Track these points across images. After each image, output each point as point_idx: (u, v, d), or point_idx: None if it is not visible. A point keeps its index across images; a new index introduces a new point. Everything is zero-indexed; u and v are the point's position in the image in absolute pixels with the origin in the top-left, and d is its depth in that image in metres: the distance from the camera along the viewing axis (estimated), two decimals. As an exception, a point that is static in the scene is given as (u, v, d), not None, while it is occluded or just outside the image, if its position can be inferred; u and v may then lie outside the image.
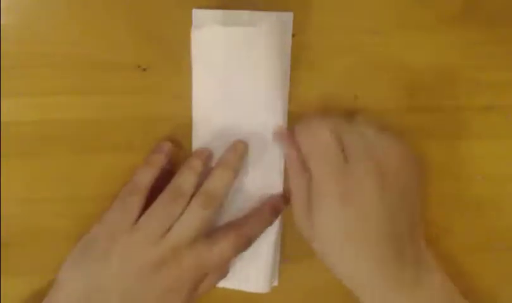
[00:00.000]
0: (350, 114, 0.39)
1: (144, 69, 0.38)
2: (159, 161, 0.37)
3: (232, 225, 0.38)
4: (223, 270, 0.38)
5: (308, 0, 0.38)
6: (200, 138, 0.39)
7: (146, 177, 0.37)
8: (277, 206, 0.39)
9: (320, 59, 0.39)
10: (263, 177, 0.40)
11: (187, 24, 0.37)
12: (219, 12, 0.37)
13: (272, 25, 0.37)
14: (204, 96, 0.38)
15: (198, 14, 0.37)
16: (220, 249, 0.36)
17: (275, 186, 0.40)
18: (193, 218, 0.35)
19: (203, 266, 0.36)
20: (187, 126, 0.39)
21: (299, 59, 0.39)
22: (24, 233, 0.39)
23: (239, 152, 0.38)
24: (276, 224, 0.40)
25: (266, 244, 0.40)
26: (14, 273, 0.40)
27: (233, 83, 0.38)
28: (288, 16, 0.38)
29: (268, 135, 0.39)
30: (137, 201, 0.36)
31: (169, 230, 0.35)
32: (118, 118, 0.38)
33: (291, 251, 0.42)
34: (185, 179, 0.37)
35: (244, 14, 0.37)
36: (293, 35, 0.38)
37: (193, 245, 0.35)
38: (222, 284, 0.40)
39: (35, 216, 0.39)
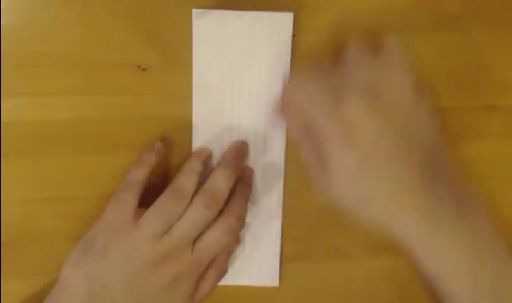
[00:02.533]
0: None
1: (144, 69, 0.38)
2: (150, 159, 0.38)
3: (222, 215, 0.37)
4: (222, 265, 0.38)
5: (308, 0, 0.38)
6: (199, 136, 0.39)
7: (138, 175, 0.37)
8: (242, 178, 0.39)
9: (320, 59, 0.39)
10: (263, 175, 0.40)
11: (187, 24, 0.37)
12: (218, 12, 0.37)
13: (274, 21, 0.37)
14: (204, 90, 0.38)
15: (197, 15, 0.37)
16: (215, 236, 0.36)
17: (276, 183, 0.40)
18: (195, 217, 0.36)
19: (202, 259, 0.36)
20: (187, 126, 0.39)
21: (299, 59, 0.39)
22: (24, 233, 0.39)
23: (240, 151, 0.39)
24: (278, 217, 0.40)
25: (271, 236, 0.41)
26: (14, 273, 0.40)
27: (234, 75, 0.38)
28: (288, 16, 0.38)
29: (268, 131, 0.39)
30: (131, 197, 0.36)
31: (170, 228, 0.35)
32: (118, 118, 0.38)
33: (291, 251, 0.42)
34: (186, 179, 0.37)
35: (245, 14, 0.37)
36: (293, 35, 0.38)
37: (193, 242, 0.36)
38: (232, 281, 0.41)
39: (35, 216, 0.39)
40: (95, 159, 0.39)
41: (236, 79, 0.38)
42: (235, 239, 0.38)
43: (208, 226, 0.36)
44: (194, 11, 0.37)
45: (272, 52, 0.38)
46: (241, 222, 0.38)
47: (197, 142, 0.39)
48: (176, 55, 0.38)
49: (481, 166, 0.42)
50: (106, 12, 0.37)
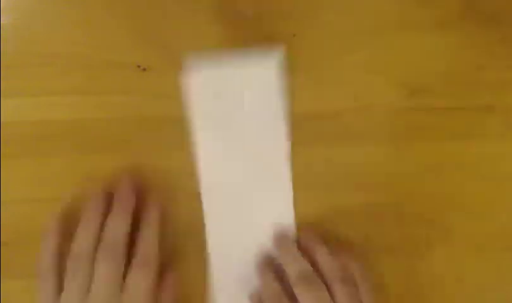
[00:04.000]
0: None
1: (144, 69, 0.38)
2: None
3: (134, 257, 0.37)
4: None
5: (308, 0, 0.38)
6: (208, 192, 0.40)
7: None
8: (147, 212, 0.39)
9: (320, 59, 0.39)
10: (272, 210, 0.40)
11: (187, 24, 0.37)
12: (209, 67, 0.38)
13: (263, 62, 0.38)
14: (207, 144, 0.39)
15: (188, 73, 0.38)
16: (135, 281, 0.35)
17: (286, 216, 0.41)
18: (103, 275, 0.35)
19: None
20: (186, 126, 0.39)
21: (299, 59, 0.39)
22: (24, 233, 0.39)
23: (125, 192, 0.38)
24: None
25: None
26: (14, 273, 0.40)
27: (233, 124, 0.39)
28: (278, 53, 0.38)
29: (273, 167, 0.40)
30: (47, 284, 0.36)
31: (88, 292, 0.35)
32: (118, 118, 0.38)
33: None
34: (79, 240, 0.36)
35: (233, 63, 0.38)
36: (293, 35, 0.38)
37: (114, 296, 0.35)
38: None
39: (35, 216, 0.39)
40: (95, 159, 0.39)
41: (236, 125, 0.39)
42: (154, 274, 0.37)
43: (120, 272, 0.35)
44: (188, 66, 0.37)
45: (265, 91, 0.38)
46: (151, 257, 0.36)
47: (208, 204, 0.40)
48: (176, 55, 0.38)
49: (481, 166, 0.42)
50: (106, 12, 0.37)
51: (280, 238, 0.40)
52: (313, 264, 0.38)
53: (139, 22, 0.37)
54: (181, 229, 0.40)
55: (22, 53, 0.37)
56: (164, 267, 0.38)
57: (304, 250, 0.39)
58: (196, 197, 0.40)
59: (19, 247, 0.39)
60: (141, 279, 0.35)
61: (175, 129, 0.39)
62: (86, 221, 0.37)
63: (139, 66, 0.38)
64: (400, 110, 0.41)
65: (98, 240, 0.36)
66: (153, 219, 0.38)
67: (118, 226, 0.36)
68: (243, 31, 0.38)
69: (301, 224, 0.40)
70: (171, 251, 0.40)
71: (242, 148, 0.39)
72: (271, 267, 0.40)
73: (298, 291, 0.36)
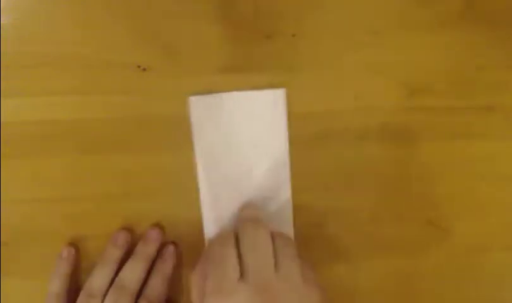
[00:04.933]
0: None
1: (144, 69, 0.38)
2: (63, 269, 0.38)
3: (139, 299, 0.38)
4: None
5: (308, 0, 0.38)
6: (211, 221, 0.40)
7: (54, 287, 0.38)
8: (160, 256, 0.39)
9: (320, 59, 0.39)
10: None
11: (187, 24, 0.37)
12: (214, 97, 0.38)
13: (268, 99, 0.39)
14: (210, 174, 0.40)
15: (194, 101, 0.38)
16: None
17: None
18: None
19: None
20: (186, 126, 0.39)
21: (299, 59, 0.39)
22: (24, 233, 0.39)
23: (149, 238, 0.39)
24: None
25: None
26: (14, 273, 0.40)
27: (236, 155, 0.40)
28: (281, 92, 0.39)
29: (275, 193, 0.40)
30: None
31: None
32: (118, 118, 0.38)
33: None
34: (96, 278, 0.37)
35: (239, 95, 0.39)
36: (293, 35, 0.38)
37: None
38: None
39: (35, 216, 0.39)
40: (95, 159, 0.39)
41: (238, 158, 0.39)
42: None
43: None
44: (191, 98, 0.38)
45: (269, 127, 0.39)
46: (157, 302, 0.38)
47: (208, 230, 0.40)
48: (176, 55, 0.38)
49: (481, 166, 0.42)
50: (106, 12, 0.37)
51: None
52: None
53: (139, 22, 0.37)
54: (181, 229, 0.40)
55: (22, 53, 0.37)
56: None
57: None
58: (196, 196, 0.40)
59: (19, 247, 0.39)
60: None
61: (175, 129, 0.39)
62: (105, 259, 0.38)
63: (139, 66, 0.38)
64: (400, 110, 0.41)
65: (113, 279, 0.37)
66: (167, 269, 0.39)
67: (135, 272, 0.37)
68: (243, 31, 0.38)
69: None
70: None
71: (243, 179, 0.40)
72: None
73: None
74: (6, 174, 0.38)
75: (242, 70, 0.39)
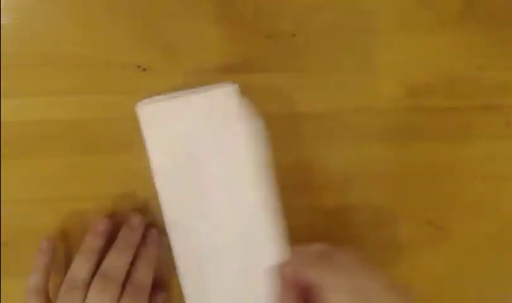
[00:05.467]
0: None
1: (144, 69, 0.38)
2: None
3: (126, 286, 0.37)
4: None
5: (308, 0, 0.38)
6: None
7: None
8: (144, 242, 0.39)
9: (320, 59, 0.39)
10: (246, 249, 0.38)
11: (187, 24, 0.37)
12: (163, 103, 0.36)
13: (219, 97, 0.36)
14: (166, 176, 0.37)
15: (142, 108, 0.36)
16: None
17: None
18: (94, 302, 0.35)
19: None
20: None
21: (299, 59, 0.39)
22: (24, 233, 0.39)
23: (133, 225, 0.38)
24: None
25: None
26: (14, 273, 0.40)
27: (192, 158, 0.37)
28: (232, 88, 0.36)
29: (243, 201, 0.37)
30: (79, 296, 0.35)
31: None
32: (118, 118, 0.38)
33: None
34: (78, 267, 0.36)
35: (189, 98, 0.36)
36: (293, 35, 0.38)
37: None
38: None
39: (34, 216, 0.39)
40: (95, 159, 0.39)
41: (195, 161, 0.37)
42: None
43: None
44: (139, 106, 0.36)
45: (224, 127, 0.36)
46: (144, 289, 0.37)
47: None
48: (176, 55, 0.38)
49: (481, 166, 0.42)
50: (106, 12, 0.37)
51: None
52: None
53: (139, 22, 0.37)
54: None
55: (22, 53, 0.37)
56: (154, 288, 0.38)
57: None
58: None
59: (19, 247, 0.39)
60: None
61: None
62: (86, 248, 0.37)
63: (139, 66, 0.38)
64: (400, 110, 0.41)
65: (95, 268, 0.36)
66: (151, 255, 0.38)
67: (120, 260, 0.36)
68: (243, 31, 0.38)
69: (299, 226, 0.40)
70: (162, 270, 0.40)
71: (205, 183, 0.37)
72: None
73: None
74: (6, 174, 0.38)
75: (242, 70, 0.39)
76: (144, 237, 0.39)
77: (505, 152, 0.42)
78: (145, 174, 0.39)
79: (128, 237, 0.37)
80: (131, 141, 0.39)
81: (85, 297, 0.35)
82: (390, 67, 0.40)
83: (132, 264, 0.37)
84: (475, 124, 0.42)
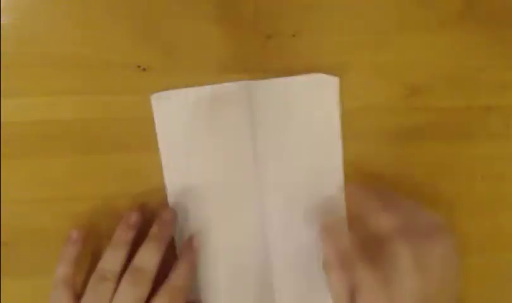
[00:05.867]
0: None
1: (144, 69, 0.38)
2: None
3: (163, 285, 0.37)
4: None
5: (308, 0, 0.38)
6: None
7: (63, 271, 0.36)
8: (188, 245, 0.39)
9: (320, 59, 0.39)
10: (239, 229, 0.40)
11: (187, 24, 0.37)
12: (177, 92, 0.38)
13: (231, 91, 0.38)
14: (175, 168, 0.39)
15: (157, 98, 0.38)
16: None
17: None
18: (124, 298, 0.34)
19: None
20: (187, 126, 0.39)
21: (299, 59, 0.39)
22: (24, 233, 0.39)
23: (168, 221, 0.38)
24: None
25: None
26: (14, 273, 0.40)
27: (201, 149, 0.39)
28: (245, 84, 0.38)
29: (242, 193, 0.40)
30: (62, 293, 0.36)
31: None
32: (118, 118, 0.38)
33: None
34: (110, 259, 0.36)
35: (201, 89, 0.38)
36: (293, 35, 0.38)
37: None
38: None
39: (34, 216, 0.39)
40: (95, 159, 0.39)
41: (203, 152, 0.39)
42: None
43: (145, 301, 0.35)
44: (153, 96, 0.37)
45: (235, 120, 0.38)
46: (182, 291, 0.36)
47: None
48: (176, 55, 0.38)
49: (481, 166, 0.42)
50: (106, 12, 0.37)
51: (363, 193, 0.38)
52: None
53: (139, 22, 0.37)
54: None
55: (22, 53, 0.37)
56: None
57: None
58: (196, 197, 0.40)
59: (19, 247, 0.39)
60: None
61: (175, 129, 0.39)
62: (117, 241, 0.37)
63: (139, 66, 0.38)
64: (400, 110, 0.41)
65: (127, 261, 0.36)
66: (192, 258, 0.38)
67: (152, 254, 0.36)
68: (243, 31, 0.38)
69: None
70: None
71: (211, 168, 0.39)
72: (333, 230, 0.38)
73: (397, 244, 0.33)
74: (6, 174, 0.38)
75: (242, 70, 0.39)
76: (187, 240, 0.39)
77: (505, 152, 0.42)
78: (145, 174, 0.39)
79: (161, 233, 0.37)
80: (131, 141, 0.39)
81: (115, 290, 0.35)
82: (390, 67, 0.40)
83: (174, 265, 0.37)
84: (475, 124, 0.42)
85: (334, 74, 0.39)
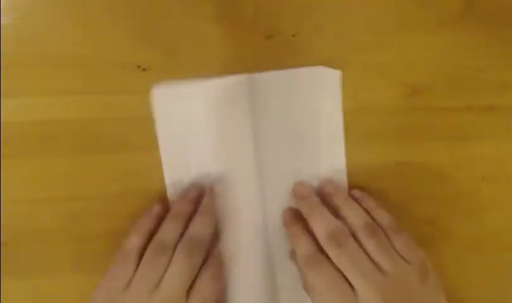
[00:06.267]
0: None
1: (144, 69, 0.38)
2: (148, 225, 0.37)
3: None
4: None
5: (308, 0, 0.38)
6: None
7: (136, 241, 0.37)
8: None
9: (320, 59, 0.39)
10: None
11: (187, 24, 0.37)
12: (178, 86, 0.38)
13: (231, 86, 0.38)
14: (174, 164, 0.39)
15: (157, 90, 0.38)
16: (205, 283, 0.36)
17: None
18: (179, 268, 0.35)
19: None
20: (187, 126, 0.39)
21: (299, 59, 0.39)
22: (24, 233, 0.39)
23: (216, 195, 0.39)
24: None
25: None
26: (14, 273, 0.40)
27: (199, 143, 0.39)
28: (246, 78, 0.38)
29: (241, 184, 0.40)
30: (127, 265, 0.36)
31: (158, 284, 0.35)
32: (118, 118, 0.38)
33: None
34: (167, 231, 0.37)
35: (201, 83, 0.38)
36: (293, 35, 0.38)
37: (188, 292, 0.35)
38: None
39: (34, 216, 0.39)
40: (95, 159, 0.39)
41: (202, 147, 0.39)
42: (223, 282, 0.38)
43: (197, 272, 0.36)
44: (154, 90, 0.38)
45: (237, 113, 0.39)
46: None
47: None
48: (176, 55, 0.38)
49: (481, 166, 0.42)
50: (106, 12, 0.37)
51: (302, 192, 0.40)
52: (337, 212, 0.38)
53: (139, 22, 0.37)
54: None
55: (22, 53, 0.37)
56: None
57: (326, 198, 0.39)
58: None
59: (19, 247, 0.39)
60: (208, 287, 0.35)
61: (175, 129, 0.39)
62: (175, 213, 0.37)
63: (139, 66, 0.38)
64: (400, 110, 0.41)
65: (183, 234, 0.37)
66: (211, 206, 0.38)
67: (205, 224, 0.37)
68: (243, 31, 0.38)
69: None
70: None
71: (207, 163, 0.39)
72: (298, 220, 0.39)
73: (329, 251, 0.36)
74: (6, 174, 0.38)
75: (242, 70, 0.39)
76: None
77: (505, 152, 0.42)
78: (145, 174, 0.39)
79: (211, 205, 0.38)
80: (131, 141, 0.39)
81: (171, 259, 0.35)
82: (390, 67, 0.40)
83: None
84: (475, 124, 0.42)
85: (334, 74, 0.40)
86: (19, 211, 0.39)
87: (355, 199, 0.39)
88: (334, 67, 0.39)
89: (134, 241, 0.37)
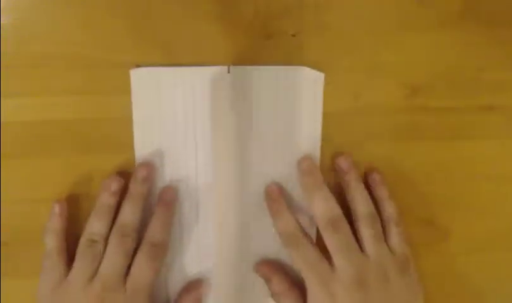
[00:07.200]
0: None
1: (144, 69, 0.38)
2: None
3: (143, 240, 0.38)
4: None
5: (307, 0, 0.38)
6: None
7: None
8: (167, 199, 0.39)
9: (320, 59, 0.39)
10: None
11: (187, 24, 0.37)
12: (156, 69, 0.38)
13: (210, 75, 0.38)
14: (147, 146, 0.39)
15: (135, 73, 0.37)
16: (140, 267, 0.37)
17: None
18: (112, 254, 0.36)
19: (136, 293, 0.36)
20: (187, 126, 0.39)
21: (299, 59, 0.39)
22: (24, 233, 0.39)
23: (146, 177, 0.38)
24: None
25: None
26: (14, 273, 0.40)
27: (176, 129, 0.39)
28: (225, 69, 0.38)
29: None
30: (57, 261, 0.37)
31: (95, 274, 0.36)
32: (118, 118, 0.38)
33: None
34: (95, 222, 0.37)
35: (181, 69, 0.38)
36: (293, 35, 0.38)
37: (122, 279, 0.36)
38: None
39: (35, 216, 0.39)
40: (95, 159, 0.39)
41: (179, 132, 0.39)
42: (160, 263, 0.38)
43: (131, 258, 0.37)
44: (132, 71, 0.37)
45: (211, 104, 0.38)
46: (160, 247, 0.38)
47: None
48: (176, 56, 0.38)
49: (481, 166, 0.42)
50: (106, 12, 0.37)
51: (307, 166, 0.39)
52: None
53: (139, 22, 0.37)
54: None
55: (22, 53, 0.37)
56: None
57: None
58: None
59: (19, 247, 0.40)
60: (146, 270, 0.37)
61: (175, 129, 0.39)
62: (101, 205, 0.38)
63: (139, 66, 0.38)
64: (400, 110, 0.41)
65: (112, 223, 0.37)
66: (168, 214, 0.39)
67: (133, 210, 0.37)
68: (243, 31, 0.38)
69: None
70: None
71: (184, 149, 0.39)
72: (280, 196, 0.40)
73: (324, 233, 0.37)
74: (6, 174, 0.38)
75: (242, 70, 0.39)
76: (161, 195, 0.39)
77: (505, 152, 0.42)
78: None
79: (139, 190, 0.38)
80: (130, 141, 0.39)
81: (104, 251, 0.37)
82: (390, 67, 0.40)
83: (149, 222, 0.38)
84: (475, 124, 0.42)
85: (334, 74, 0.39)
86: (19, 211, 0.39)
87: (372, 182, 0.40)
88: (334, 67, 0.39)
89: (50, 242, 0.38)
